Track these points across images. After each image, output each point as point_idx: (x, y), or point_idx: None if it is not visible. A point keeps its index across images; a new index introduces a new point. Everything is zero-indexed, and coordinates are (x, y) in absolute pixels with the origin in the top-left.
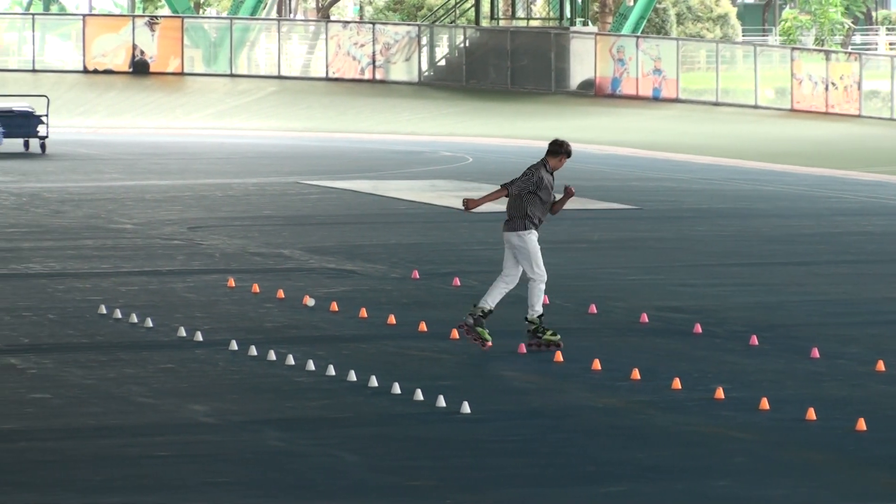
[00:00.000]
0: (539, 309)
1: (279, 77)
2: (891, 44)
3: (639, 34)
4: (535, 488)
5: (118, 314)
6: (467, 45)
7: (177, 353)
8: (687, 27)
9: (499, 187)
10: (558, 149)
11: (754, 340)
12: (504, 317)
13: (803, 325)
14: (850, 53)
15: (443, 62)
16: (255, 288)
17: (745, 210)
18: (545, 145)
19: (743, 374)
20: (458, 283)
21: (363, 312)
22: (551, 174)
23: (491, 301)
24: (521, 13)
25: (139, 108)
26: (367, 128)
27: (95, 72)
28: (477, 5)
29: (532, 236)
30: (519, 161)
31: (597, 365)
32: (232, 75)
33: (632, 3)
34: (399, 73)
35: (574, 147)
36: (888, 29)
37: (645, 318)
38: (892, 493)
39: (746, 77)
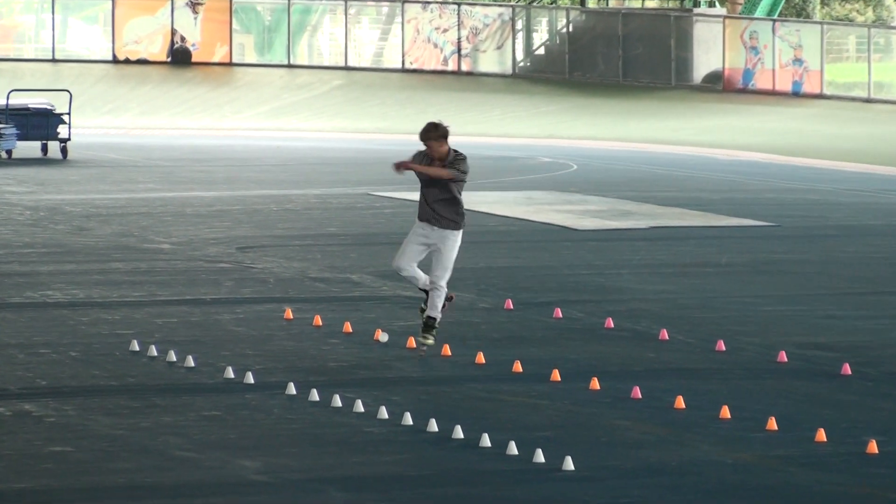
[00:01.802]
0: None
1: (346, 68)
2: None
3: (775, 17)
4: None
5: (153, 351)
6: (571, 30)
7: (223, 398)
8: (833, 9)
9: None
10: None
11: None
12: (615, 356)
13: None
14: None
15: (541, 50)
16: (318, 320)
17: None
18: (663, 149)
19: None
20: (560, 315)
21: (446, 350)
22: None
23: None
24: None
25: (179, 104)
26: (451, 128)
27: (127, 62)
28: None
29: None
30: (631, 168)
31: (726, 412)
32: (290, 66)
33: None
34: (489, 63)
35: (699, 151)
36: None
37: (783, 356)
38: None
39: None
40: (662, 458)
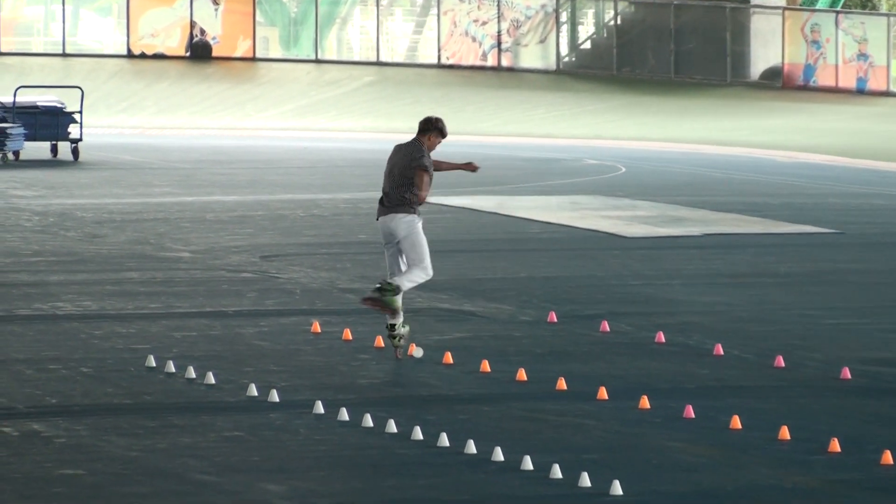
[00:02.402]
0: (403, 285)
1: (378, 64)
2: None
3: (839, 9)
4: None
5: (171, 367)
6: (619, 22)
7: (246, 418)
8: None
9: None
10: (428, 126)
11: None
12: (665, 373)
13: None
14: None
15: (587, 45)
16: (347, 334)
17: None
18: (718, 151)
19: None
20: (607, 329)
21: (485, 366)
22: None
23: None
24: None
25: (198, 102)
26: (491, 128)
27: (143, 56)
28: None
29: (420, 224)
30: (683, 171)
31: (785, 433)
32: (317, 61)
33: None
34: (531, 58)
35: (756, 153)
36: None
37: (847, 373)
38: None
39: None
40: (717, 481)
